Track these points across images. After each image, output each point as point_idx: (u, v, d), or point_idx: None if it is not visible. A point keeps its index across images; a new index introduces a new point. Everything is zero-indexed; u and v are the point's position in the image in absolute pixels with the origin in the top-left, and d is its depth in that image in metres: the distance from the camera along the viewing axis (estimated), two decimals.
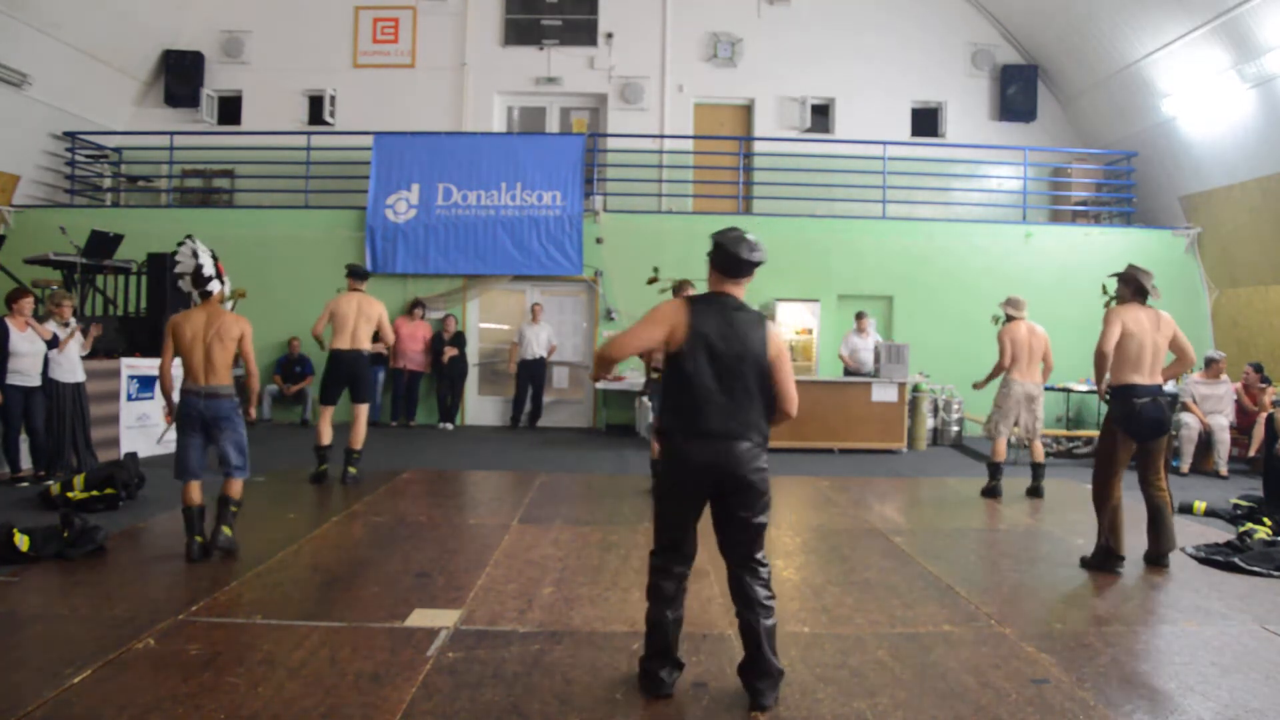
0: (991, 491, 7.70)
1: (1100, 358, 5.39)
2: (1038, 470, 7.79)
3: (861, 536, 6.14)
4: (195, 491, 5.14)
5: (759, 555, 3.28)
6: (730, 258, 3.27)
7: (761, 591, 3.26)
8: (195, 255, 5.26)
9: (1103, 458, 5.45)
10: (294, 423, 12.11)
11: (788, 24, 14.10)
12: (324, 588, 4.67)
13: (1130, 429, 5.30)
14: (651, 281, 7.85)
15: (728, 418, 3.20)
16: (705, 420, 3.19)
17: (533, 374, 12.10)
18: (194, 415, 5.11)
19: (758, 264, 3.30)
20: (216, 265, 5.38)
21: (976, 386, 8.15)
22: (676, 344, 3.22)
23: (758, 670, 3.25)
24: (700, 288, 3.72)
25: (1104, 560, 5.31)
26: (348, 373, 7.66)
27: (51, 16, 11.51)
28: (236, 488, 5.25)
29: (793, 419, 3.42)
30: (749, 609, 3.25)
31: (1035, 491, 7.72)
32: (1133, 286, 5.46)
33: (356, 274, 7.85)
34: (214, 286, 5.30)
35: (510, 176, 12.47)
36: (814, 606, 4.50)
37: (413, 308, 12.00)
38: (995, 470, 7.76)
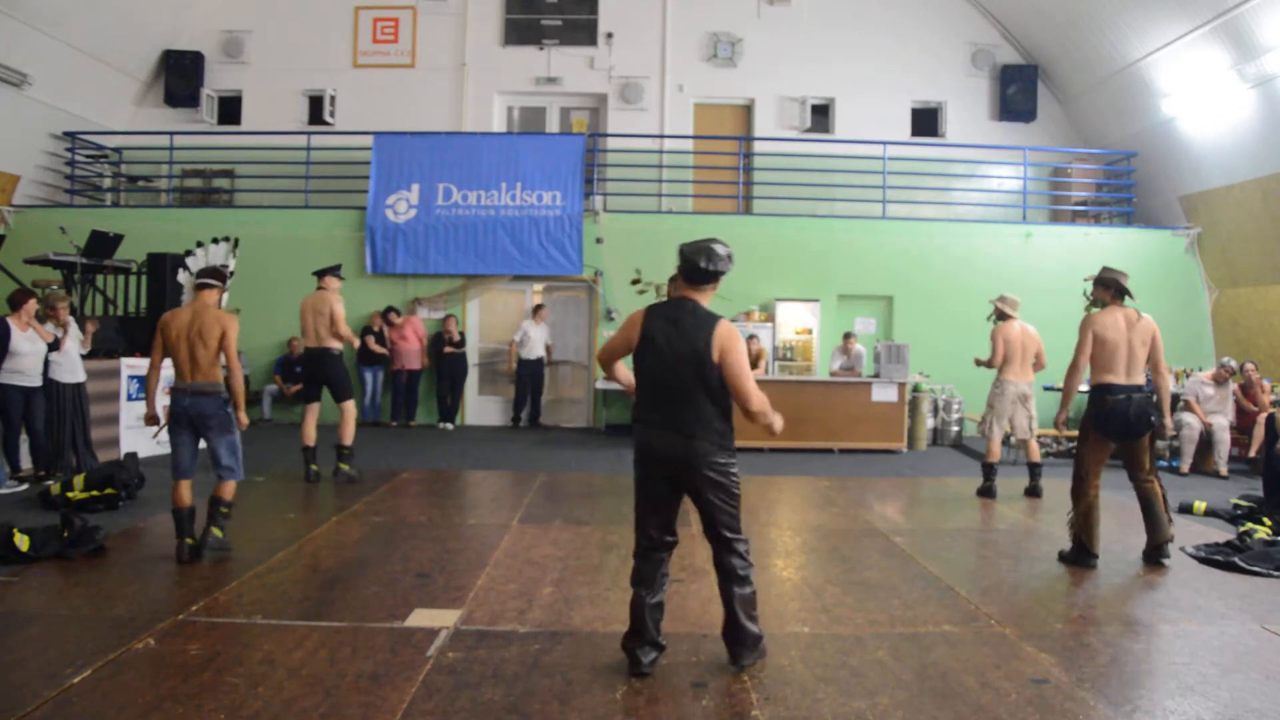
0: (986, 491, 7.70)
1: (1071, 373, 5.49)
2: (1035, 470, 7.79)
3: (861, 536, 6.14)
4: (185, 492, 5.09)
5: (729, 535, 3.51)
6: (689, 267, 3.52)
7: (736, 562, 3.51)
8: (227, 265, 5.32)
9: (1079, 456, 5.53)
10: (294, 423, 12.06)
11: (788, 24, 14.10)
12: (324, 588, 4.67)
13: (1102, 428, 5.35)
14: (634, 283, 7.74)
15: (675, 413, 3.46)
16: (655, 413, 3.51)
17: (533, 373, 12.11)
18: (181, 414, 5.09)
19: (717, 273, 3.53)
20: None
21: (977, 363, 8.01)
22: (633, 345, 3.58)
23: (732, 633, 3.55)
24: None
25: (1078, 556, 5.38)
26: (313, 369, 7.78)
27: (51, 16, 11.50)
28: (228, 489, 5.23)
29: (755, 416, 3.53)
30: (724, 579, 3.54)
31: (1033, 491, 7.73)
32: (1113, 289, 5.48)
33: (316, 274, 7.93)
34: (217, 281, 5.29)
35: (510, 176, 12.47)
36: (814, 606, 4.50)
37: (385, 313, 11.96)
38: (989, 470, 7.76)
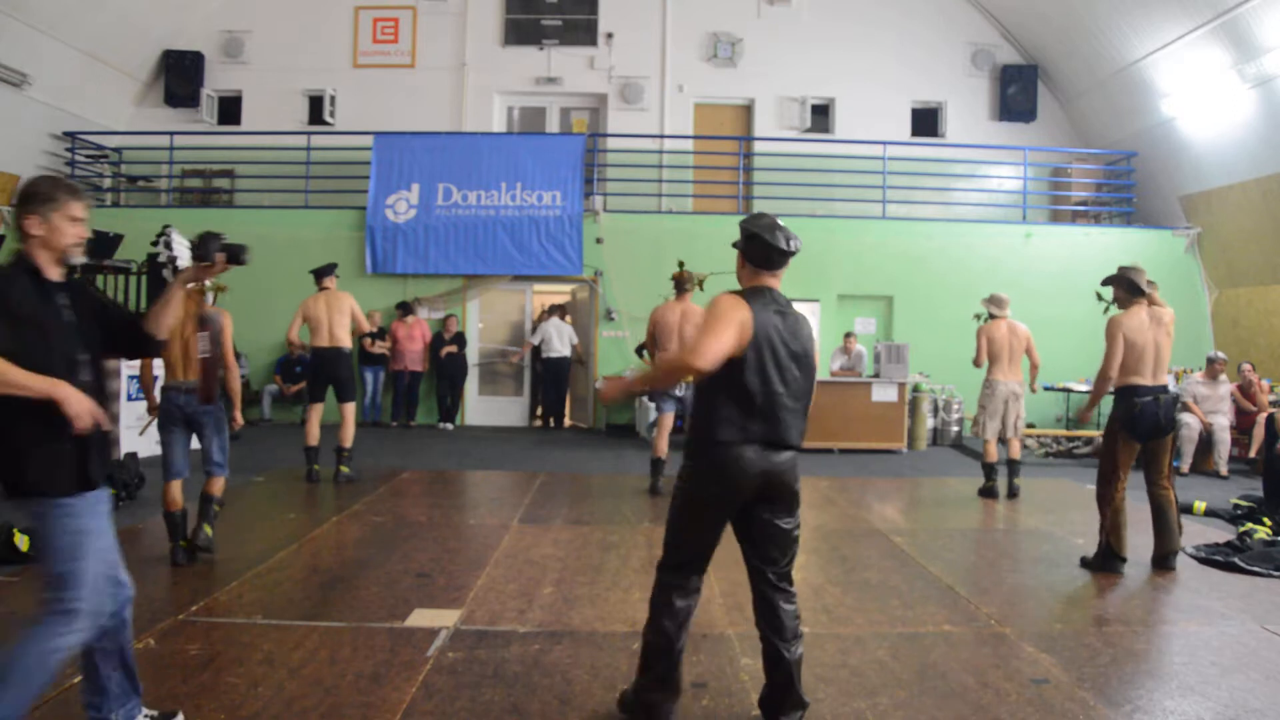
0: (988, 492, 7.70)
1: (1102, 380, 5.37)
2: (1014, 468, 7.76)
3: (861, 536, 6.14)
4: (177, 494, 5.07)
5: (789, 578, 3.04)
6: (768, 249, 2.97)
7: (794, 611, 3.02)
8: (169, 247, 5.19)
9: (1106, 459, 5.45)
10: (294, 423, 12.08)
11: (788, 24, 14.10)
12: (324, 588, 4.67)
13: (1131, 430, 5.29)
14: (679, 277, 7.43)
15: (790, 426, 2.97)
16: (775, 428, 2.94)
17: (555, 373, 12.18)
18: (175, 411, 5.05)
19: (794, 254, 3.01)
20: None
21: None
22: (743, 345, 2.89)
23: (787, 704, 2.97)
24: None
25: (1104, 561, 5.32)
26: (329, 371, 7.75)
27: (51, 16, 11.51)
28: (218, 485, 5.21)
29: None
30: (780, 637, 2.97)
31: (1011, 490, 7.70)
32: (1126, 287, 5.44)
33: (319, 273, 7.92)
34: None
35: (510, 176, 12.47)
36: (814, 606, 4.50)
37: (404, 312, 11.97)
38: (990, 471, 7.76)
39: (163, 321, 2.86)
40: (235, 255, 3.02)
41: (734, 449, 2.90)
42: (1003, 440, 7.79)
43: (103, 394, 2.69)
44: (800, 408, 3.02)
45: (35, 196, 2.62)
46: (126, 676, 2.79)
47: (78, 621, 2.54)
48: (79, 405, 2.52)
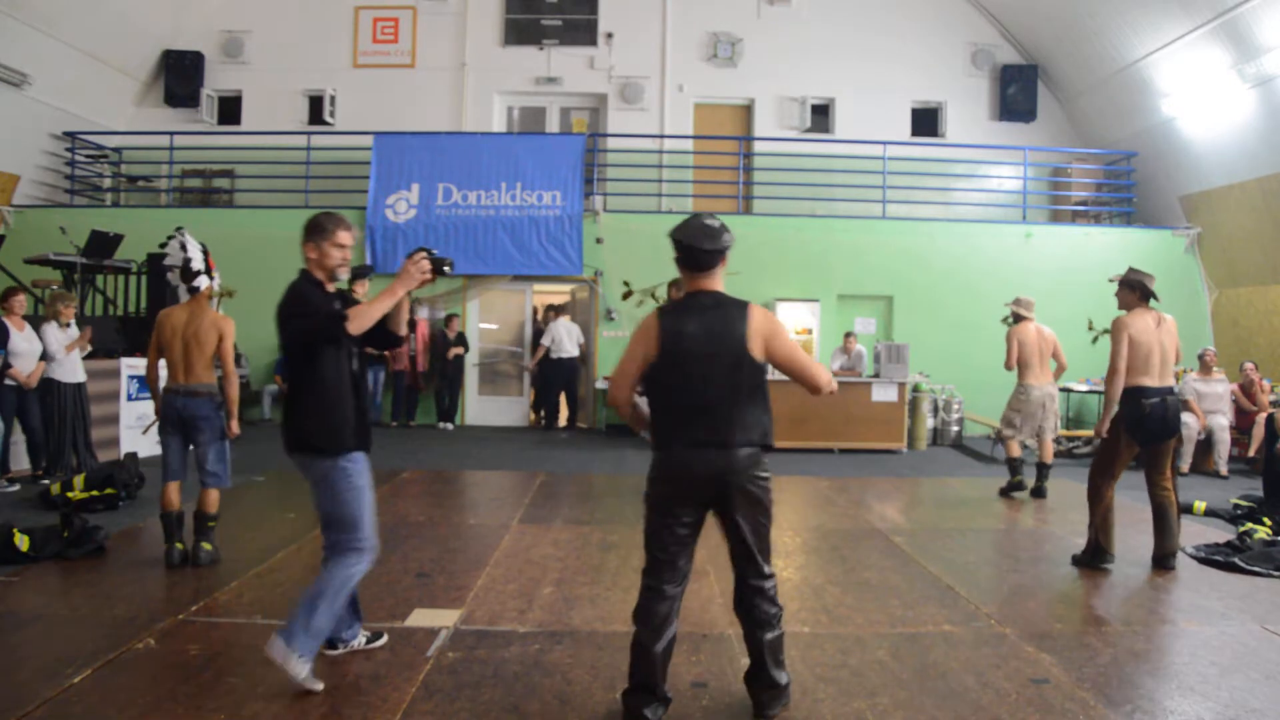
0: (1016, 486, 7.71)
1: (1114, 376, 5.29)
2: (1043, 471, 7.78)
3: (861, 536, 6.14)
4: (174, 495, 5.04)
5: (765, 569, 3.11)
6: (689, 252, 3.08)
7: (766, 608, 3.11)
8: (184, 249, 5.14)
9: (1103, 457, 5.44)
10: None
11: (788, 24, 14.11)
12: None
13: (1137, 433, 5.27)
14: (626, 296, 7.63)
15: (721, 422, 3.00)
16: (697, 428, 3.01)
17: (565, 373, 12.11)
18: (172, 414, 5.00)
19: (722, 250, 3.09)
20: (207, 260, 5.23)
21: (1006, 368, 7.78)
22: (653, 356, 3.08)
23: (760, 683, 3.16)
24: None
25: (1093, 558, 5.35)
26: None
27: (51, 16, 11.51)
28: (213, 500, 5.06)
29: (827, 390, 3.17)
30: (751, 623, 3.13)
31: (1039, 492, 7.71)
32: (1139, 291, 5.42)
33: (351, 275, 7.83)
34: (201, 282, 5.16)
35: (510, 176, 12.47)
36: (814, 606, 4.50)
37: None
38: (1015, 466, 7.77)
39: (400, 320, 3.52)
40: (439, 266, 3.35)
41: (671, 450, 3.06)
42: (1030, 445, 7.81)
43: (364, 378, 3.52)
44: (727, 404, 3.02)
45: (313, 229, 3.45)
46: (352, 607, 3.61)
47: (366, 556, 3.35)
48: (420, 268, 3.29)
